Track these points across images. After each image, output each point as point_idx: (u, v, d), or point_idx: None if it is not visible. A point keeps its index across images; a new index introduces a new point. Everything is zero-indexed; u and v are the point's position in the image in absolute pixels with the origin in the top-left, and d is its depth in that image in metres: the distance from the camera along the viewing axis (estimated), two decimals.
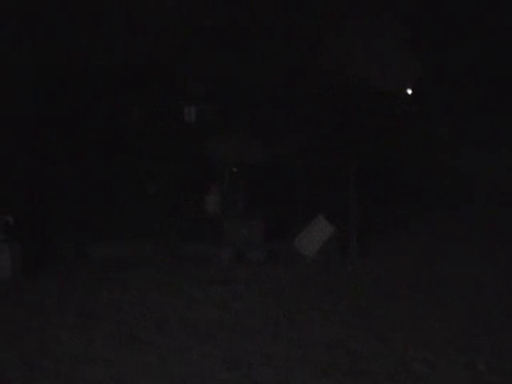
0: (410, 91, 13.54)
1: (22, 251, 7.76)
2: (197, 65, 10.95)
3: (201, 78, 11.08)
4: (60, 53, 9.87)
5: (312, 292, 7.10)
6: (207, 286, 7.28)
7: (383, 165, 12.15)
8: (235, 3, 10.46)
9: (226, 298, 6.84)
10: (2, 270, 7.55)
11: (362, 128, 12.29)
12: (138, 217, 8.88)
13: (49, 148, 9.48)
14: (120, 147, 10.00)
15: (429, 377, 4.84)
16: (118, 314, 6.35)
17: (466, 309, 6.38)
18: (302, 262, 8.41)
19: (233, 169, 9.26)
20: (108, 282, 7.48)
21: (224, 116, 11.06)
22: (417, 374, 4.87)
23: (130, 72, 10.55)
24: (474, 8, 11.73)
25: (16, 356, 5.25)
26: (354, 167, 8.66)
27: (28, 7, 9.16)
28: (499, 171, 11.98)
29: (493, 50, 12.23)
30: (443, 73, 12.57)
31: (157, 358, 5.20)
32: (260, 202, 9.08)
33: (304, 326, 5.97)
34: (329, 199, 8.90)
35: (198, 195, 9.09)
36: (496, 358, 5.14)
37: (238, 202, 9.06)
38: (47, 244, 8.45)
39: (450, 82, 12.69)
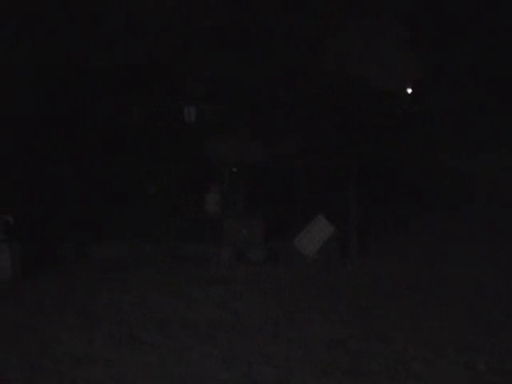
0: (409, 91, 13.53)
1: (21, 251, 7.76)
2: (197, 65, 10.93)
3: (201, 78, 11.06)
4: (60, 53, 9.85)
5: (312, 292, 7.10)
6: (207, 286, 7.29)
7: (383, 165, 12.14)
8: (235, 3, 10.44)
9: (226, 298, 6.85)
10: (2, 270, 7.55)
11: (362, 128, 12.26)
12: (138, 217, 8.89)
13: (49, 148, 9.47)
14: (120, 147, 9.99)
15: (429, 377, 4.84)
16: (118, 314, 6.35)
17: (466, 309, 6.39)
18: (302, 261, 8.42)
19: (233, 169, 9.27)
20: (108, 281, 7.48)
21: (224, 116, 11.04)
22: (417, 374, 4.87)
23: (130, 72, 10.54)
24: (473, 8, 11.71)
25: (16, 356, 5.24)
26: (354, 167, 8.66)
27: (28, 7, 9.16)
28: (499, 171, 11.97)
29: (493, 50, 12.22)
30: (443, 73, 12.55)
31: (157, 358, 5.20)
32: (260, 201, 9.08)
33: (304, 325, 5.97)
34: (329, 199, 8.91)
35: (198, 195, 9.10)
36: (496, 358, 5.14)
37: (238, 202, 9.07)
38: (47, 244, 8.44)
39: (450, 81, 12.68)
